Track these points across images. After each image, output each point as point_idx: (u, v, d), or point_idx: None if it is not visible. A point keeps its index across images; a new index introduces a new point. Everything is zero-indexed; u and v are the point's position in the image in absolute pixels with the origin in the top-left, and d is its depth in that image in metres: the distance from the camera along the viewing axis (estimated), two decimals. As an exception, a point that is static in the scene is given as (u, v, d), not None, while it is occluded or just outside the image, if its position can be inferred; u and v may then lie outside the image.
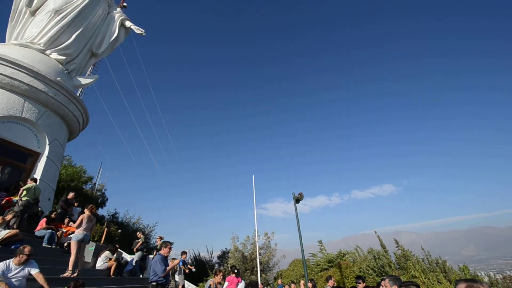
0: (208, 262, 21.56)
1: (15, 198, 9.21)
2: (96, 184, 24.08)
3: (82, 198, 16.94)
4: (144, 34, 16.07)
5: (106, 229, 14.23)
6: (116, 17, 15.95)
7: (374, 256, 13.48)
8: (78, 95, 18.95)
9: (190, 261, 17.44)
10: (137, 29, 16.10)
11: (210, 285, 7.60)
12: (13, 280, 4.85)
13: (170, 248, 6.05)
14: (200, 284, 15.33)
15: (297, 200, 10.95)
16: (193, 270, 12.22)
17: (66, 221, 10.38)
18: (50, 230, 9.26)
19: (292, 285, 12.62)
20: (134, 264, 10.91)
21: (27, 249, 5.10)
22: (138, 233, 12.63)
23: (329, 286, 7.89)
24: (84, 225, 7.29)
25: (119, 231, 16.98)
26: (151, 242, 21.43)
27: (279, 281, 15.03)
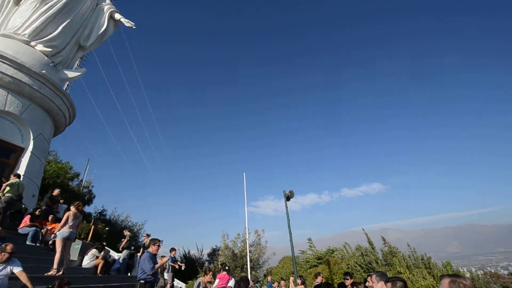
0: (198, 260, 21.51)
1: (-3, 195, 8.88)
2: (83, 181, 23.54)
3: (68, 195, 16.49)
4: (134, 27, 15.68)
5: (93, 226, 13.93)
6: (105, 9, 15.50)
7: (362, 253, 13.78)
8: (64, 88, 18.39)
9: (179, 259, 17.32)
10: (127, 22, 15.69)
11: (200, 283, 7.56)
12: (-6, 279, 4.68)
13: (158, 246, 5.96)
14: (190, 281, 15.27)
15: (288, 198, 11.04)
16: (183, 267, 12.12)
17: (50, 218, 10.08)
18: (34, 228, 9.00)
19: (282, 281, 12.74)
20: (121, 262, 10.73)
21: (9, 247, 4.93)
22: (124, 231, 12.33)
23: (317, 282, 8.00)
24: (70, 223, 7.11)
25: (107, 228, 16.66)
26: (140, 240, 21.16)
27: (269, 278, 15.15)
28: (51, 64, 12.98)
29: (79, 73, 14.58)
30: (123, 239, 11.72)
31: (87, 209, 21.85)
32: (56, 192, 11.03)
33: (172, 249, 11.45)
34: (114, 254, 12.89)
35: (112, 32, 16.37)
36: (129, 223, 23.43)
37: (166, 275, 11.04)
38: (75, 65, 22.13)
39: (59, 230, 7.04)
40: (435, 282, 9.05)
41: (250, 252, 17.78)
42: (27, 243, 8.63)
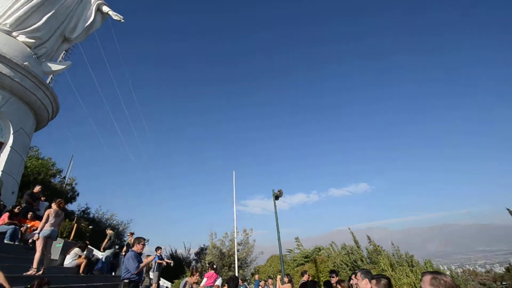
0: (185, 259, 21.27)
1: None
2: (66, 178, 22.75)
3: (49, 192, 15.91)
4: (122, 20, 15.29)
5: (75, 225, 13.51)
6: (92, 1, 15.04)
7: (348, 251, 14.06)
8: (48, 82, 17.73)
9: (166, 258, 17.08)
10: (115, 15, 15.28)
11: (186, 283, 7.46)
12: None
13: (143, 245, 5.82)
14: (176, 281, 15.08)
15: (277, 197, 11.10)
16: (171, 263, 11.96)
17: (29, 215, 9.67)
18: (13, 226, 8.62)
19: (269, 280, 12.81)
20: (104, 261, 10.43)
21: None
22: (107, 229, 11.88)
23: (303, 280, 8.10)
24: (51, 221, 6.86)
25: (90, 227, 16.20)
26: (125, 239, 20.73)
27: (256, 276, 15.18)
28: (34, 56, 12.48)
29: (63, 66, 14.08)
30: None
31: (70, 207, 21.16)
32: (37, 189, 10.62)
33: (158, 248, 11.28)
34: (98, 253, 12.55)
35: (100, 25, 15.91)
36: (114, 222, 22.87)
37: (151, 274, 10.86)
38: (60, 58, 21.34)
39: (40, 229, 6.78)
40: (416, 280, 9.34)
41: (238, 251, 17.77)
42: (5, 241, 8.27)
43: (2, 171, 10.00)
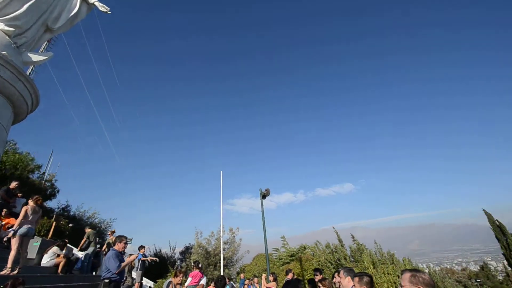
0: (170, 258, 20.95)
1: None
2: (46, 174, 21.82)
3: (27, 189, 15.19)
4: (109, 12, 14.77)
5: (54, 222, 12.98)
6: (77, -10, 14.47)
7: (332, 250, 14.32)
8: (28, 73, 16.96)
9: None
10: (101, 7, 14.73)
11: (171, 282, 7.35)
12: None
13: (125, 243, 5.65)
14: (159, 280, 14.84)
15: (264, 196, 11.13)
16: (157, 260, 11.79)
17: (3, 212, 9.19)
18: (-15, 223, 8.20)
19: (255, 279, 12.84)
20: (83, 260, 10.09)
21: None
22: (86, 228, 11.36)
23: (288, 278, 8.16)
24: (28, 218, 6.57)
25: (70, 225, 15.60)
26: (107, 238, 20.18)
27: (242, 275, 15.19)
28: (13, 45, 11.83)
29: (45, 57, 13.44)
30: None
31: (49, 204, 20.33)
32: (13, 185, 10.11)
33: (141, 247, 11.05)
34: (79, 252, 12.14)
35: (85, 16, 15.29)
36: (96, 220, 22.18)
37: (134, 274, 10.63)
38: (42, 48, 20.43)
39: (16, 226, 6.47)
40: (396, 277, 9.63)
41: (224, 250, 17.69)
42: (-23, 240, 7.86)
43: (-25, 165, 9.47)
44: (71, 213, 21.18)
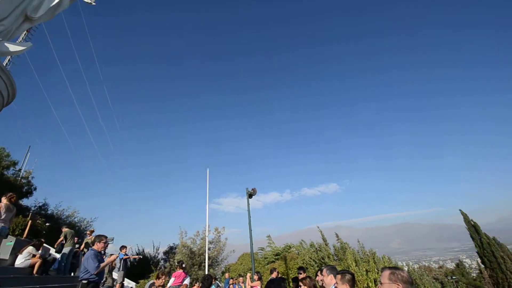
0: (153, 258, 20.53)
1: None
2: (22, 171, 20.79)
3: (1, 185, 14.45)
4: (93, 3, 14.28)
5: (30, 221, 12.39)
6: (59, -21, 13.87)
7: (316, 249, 14.55)
8: (4, 64, 16.07)
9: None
10: (85, -2, 14.22)
11: (154, 283, 7.18)
12: None
13: (105, 243, 5.44)
14: (141, 281, 14.51)
15: (250, 195, 11.12)
16: (140, 257, 11.54)
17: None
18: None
19: (240, 278, 12.81)
20: (60, 260, 9.69)
21: None
22: (62, 227, 10.79)
23: (272, 277, 8.17)
24: (2, 216, 6.23)
25: (47, 224, 14.94)
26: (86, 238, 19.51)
27: (226, 275, 15.13)
28: (-13, 34, 11.21)
29: (23, 48, 12.75)
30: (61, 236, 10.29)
31: (25, 202, 19.42)
32: (-15, 181, 9.59)
33: (123, 247, 10.75)
34: (56, 253, 11.65)
35: (68, 6, 14.69)
36: (76, 219, 21.40)
37: (115, 274, 10.32)
38: (20, 38, 19.41)
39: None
40: (376, 274, 9.91)
41: (209, 249, 17.54)
42: None
43: None
44: (49, 212, 20.34)
